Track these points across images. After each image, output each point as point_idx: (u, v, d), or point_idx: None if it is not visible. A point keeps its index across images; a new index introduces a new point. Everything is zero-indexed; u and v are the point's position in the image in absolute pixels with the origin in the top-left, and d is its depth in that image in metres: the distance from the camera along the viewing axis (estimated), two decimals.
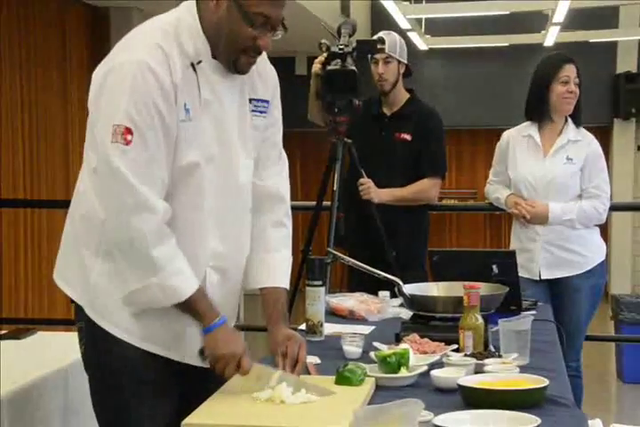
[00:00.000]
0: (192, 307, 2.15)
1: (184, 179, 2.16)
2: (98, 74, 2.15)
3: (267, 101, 2.35)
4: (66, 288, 2.27)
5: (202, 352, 2.19)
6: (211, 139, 2.19)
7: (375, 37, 4.30)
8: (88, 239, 2.20)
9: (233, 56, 2.17)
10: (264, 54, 2.30)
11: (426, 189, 4.34)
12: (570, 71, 4.08)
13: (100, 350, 2.23)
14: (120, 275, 2.14)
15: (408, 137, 4.30)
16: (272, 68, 2.39)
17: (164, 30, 2.15)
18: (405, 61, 4.36)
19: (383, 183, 4.22)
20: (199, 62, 2.16)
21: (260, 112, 2.33)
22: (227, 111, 2.22)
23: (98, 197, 2.14)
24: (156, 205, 2.09)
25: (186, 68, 2.13)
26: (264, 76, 2.35)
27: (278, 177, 2.44)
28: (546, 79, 4.10)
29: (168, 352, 2.24)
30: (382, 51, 4.27)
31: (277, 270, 2.38)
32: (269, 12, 2.12)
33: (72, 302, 2.27)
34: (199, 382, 2.32)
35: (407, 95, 4.41)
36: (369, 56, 4.34)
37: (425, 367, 2.31)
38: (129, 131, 2.05)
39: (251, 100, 2.30)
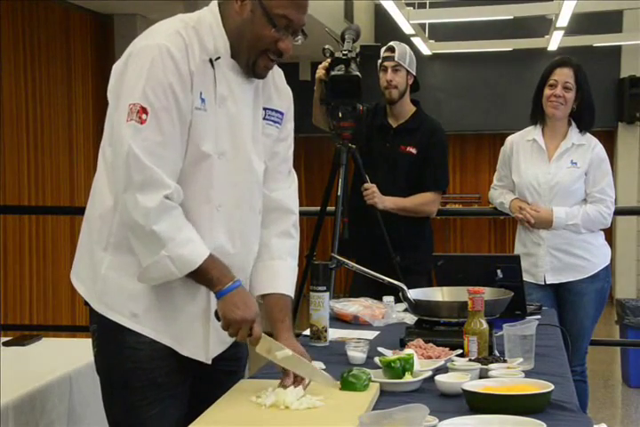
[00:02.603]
0: (205, 274, 2.13)
1: (194, 170, 2.16)
2: (119, 63, 2.18)
3: (281, 113, 2.37)
4: (78, 285, 2.28)
5: (217, 314, 2.17)
6: (224, 134, 2.19)
7: (386, 46, 4.33)
8: (99, 235, 2.21)
9: (252, 58, 2.19)
10: (282, 73, 2.36)
11: (428, 202, 4.34)
12: (559, 75, 4.08)
13: (112, 352, 2.23)
14: (136, 255, 2.14)
15: (413, 150, 4.31)
16: (289, 88, 2.41)
17: (186, 22, 2.18)
18: (414, 73, 4.36)
19: (386, 193, 4.22)
20: (217, 59, 2.18)
21: (274, 122, 2.34)
22: (241, 110, 2.23)
23: (110, 177, 2.15)
24: (164, 181, 2.08)
25: (203, 62, 2.16)
26: (281, 91, 2.37)
27: (287, 190, 2.43)
28: (541, 83, 4.14)
29: (179, 347, 2.23)
30: (391, 59, 4.29)
31: (283, 278, 2.37)
32: (293, 15, 2.16)
33: (85, 304, 2.27)
34: (208, 387, 2.32)
35: (413, 108, 4.41)
36: (378, 64, 4.35)
37: (429, 373, 2.30)
38: (144, 110, 2.07)
39: (265, 109, 2.32)
